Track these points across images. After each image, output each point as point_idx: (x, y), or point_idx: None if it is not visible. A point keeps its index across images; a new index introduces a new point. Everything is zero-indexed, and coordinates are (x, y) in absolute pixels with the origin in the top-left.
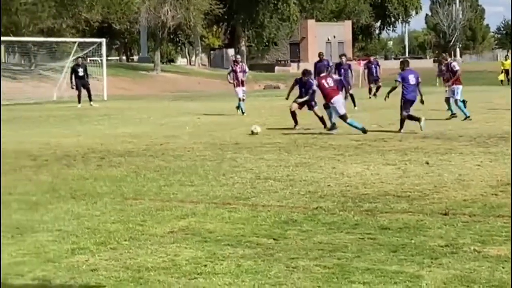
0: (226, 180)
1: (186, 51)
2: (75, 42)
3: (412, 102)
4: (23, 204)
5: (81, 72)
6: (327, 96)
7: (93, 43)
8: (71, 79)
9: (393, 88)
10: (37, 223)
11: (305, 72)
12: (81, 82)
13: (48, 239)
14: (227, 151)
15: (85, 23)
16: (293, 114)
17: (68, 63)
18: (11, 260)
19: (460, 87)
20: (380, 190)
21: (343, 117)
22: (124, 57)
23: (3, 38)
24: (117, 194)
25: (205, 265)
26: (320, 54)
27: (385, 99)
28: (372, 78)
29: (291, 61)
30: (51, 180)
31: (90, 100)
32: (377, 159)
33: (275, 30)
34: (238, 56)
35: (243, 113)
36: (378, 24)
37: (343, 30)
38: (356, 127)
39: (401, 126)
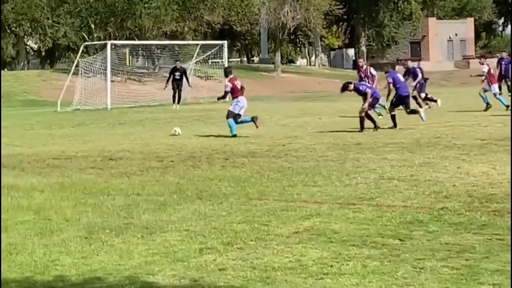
0: (349, 180)
1: (306, 51)
2: (197, 45)
3: (406, 97)
4: (152, 204)
5: (177, 75)
6: (234, 94)
7: (214, 45)
8: (167, 80)
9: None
10: (165, 223)
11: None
12: (176, 84)
13: (177, 239)
14: (350, 151)
15: (206, 26)
16: (368, 117)
17: (191, 65)
18: (141, 259)
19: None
20: (508, 190)
21: (228, 114)
22: (245, 59)
23: (128, 42)
24: (242, 195)
25: (331, 266)
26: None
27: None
28: (502, 77)
29: (412, 60)
30: (178, 180)
31: (178, 102)
32: (504, 158)
33: (395, 29)
34: (361, 60)
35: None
36: (502, 20)
37: (465, 27)
38: (246, 121)
39: (394, 124)
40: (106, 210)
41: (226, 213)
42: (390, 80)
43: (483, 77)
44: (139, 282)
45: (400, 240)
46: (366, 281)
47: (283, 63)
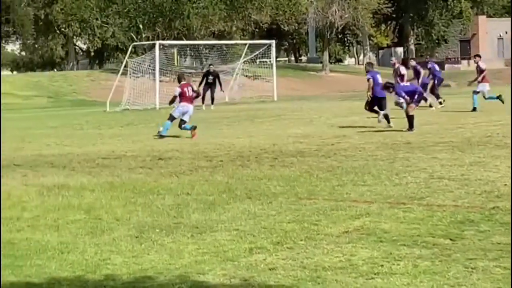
0: (399, 179)
1: (354, 50)
2: (245, 44)
3: (381, 98)
4: (201, 204)
5: (210, 79)
6: (182, 100)
7: (262, 45)
8: (200, 83)
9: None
10: (215, 222)
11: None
12: (209, 86)
13: (227, 238)
14: (399, 150)
15: (254, 25)
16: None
17: (239, 65)
18: (191, 258)
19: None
20: None
21: (170, 116)
22: (292, 58)
23: (177, 42)
24: (291, 194)
25: (382, 265)
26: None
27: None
28: None
29: (462, 59)
30: (227, 180)
31: (212, 103)
32: None
33: (445, 27)
34: (393, 58)
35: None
36: None
37: None
38: (186, 128)
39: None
40: (156, 210)
41: (276, 213)
42: (369, 76)
43: (481, 76)
44: (190, 281)
45: (451, 239)
46: (417, 281)
47: (331, 62)
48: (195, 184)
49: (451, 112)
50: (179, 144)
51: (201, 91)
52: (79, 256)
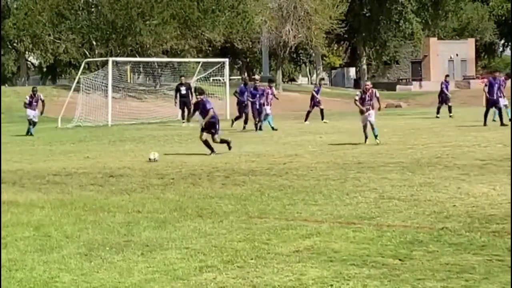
0: (350, 199)
1: (307, 70)
2: (198, 62)
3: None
4: (152, 222)
5: (183, 90)
6: None
7: (216, 63)
8: (175, 97)
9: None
10: (165, 240)
11: None
12: (183, 101)
13: (177, 257)
14: (350, 170)
15: (207, 44)
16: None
17: (192, 83)
18: (141, 277)
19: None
20: (508, 211)
21: None
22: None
23: (130, 59)
24: (242, 213)
25: (331, 285)
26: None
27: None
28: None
29: (413, 80)
30: (178, 198)
31: (188, 119)
32: (504, 179)
33: (396, 48)
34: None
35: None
36: (502, 41)
37: (466, 48)
38: None
39: None
40: (106, 227)
41: (227, 231)
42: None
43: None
44: None
45: (400, 260)
46: None
47: (284, 82)
48: (146, 202)
49: (400, 132)
50: (131, 162)
51: (177, 106)
52: (28, 274)
